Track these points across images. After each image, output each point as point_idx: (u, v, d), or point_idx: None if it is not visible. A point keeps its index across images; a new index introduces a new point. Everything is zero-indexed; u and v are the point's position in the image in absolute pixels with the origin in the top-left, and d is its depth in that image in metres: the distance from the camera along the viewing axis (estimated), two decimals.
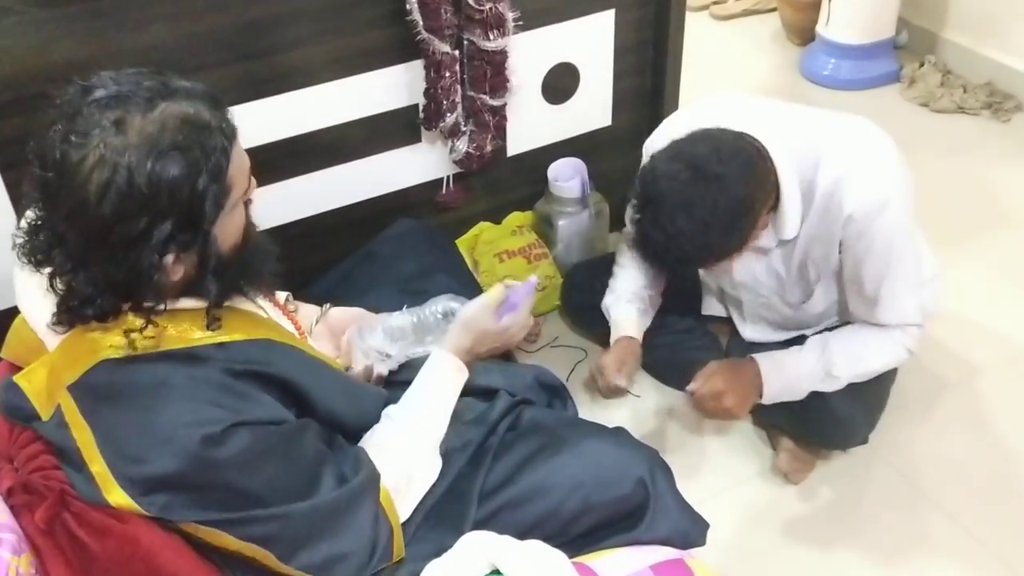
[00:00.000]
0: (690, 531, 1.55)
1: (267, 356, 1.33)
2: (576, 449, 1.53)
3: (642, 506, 1.51)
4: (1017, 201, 2.82)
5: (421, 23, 1.97)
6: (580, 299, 2.29)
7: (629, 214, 1.69)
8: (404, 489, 1.42)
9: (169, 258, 1.18)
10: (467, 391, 1.59)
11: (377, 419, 1.47)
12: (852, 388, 1.85)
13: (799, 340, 1.92)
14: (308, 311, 1.70)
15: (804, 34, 3.63)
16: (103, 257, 1.17)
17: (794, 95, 3.38)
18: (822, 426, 1.93)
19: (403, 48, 2.05)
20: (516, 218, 2.49)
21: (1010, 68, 3.25)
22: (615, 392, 1.95)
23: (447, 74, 2.05)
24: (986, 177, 2.93)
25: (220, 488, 1.24)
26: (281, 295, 1.64)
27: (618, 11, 2.29)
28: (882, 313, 1.79)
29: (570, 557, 1.34)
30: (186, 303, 1.29)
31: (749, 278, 1.90)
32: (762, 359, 1.88)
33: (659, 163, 1.60)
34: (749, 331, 2.05)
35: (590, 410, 2.15)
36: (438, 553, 1.32)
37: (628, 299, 2.05)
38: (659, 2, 2.31)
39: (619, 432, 1.64)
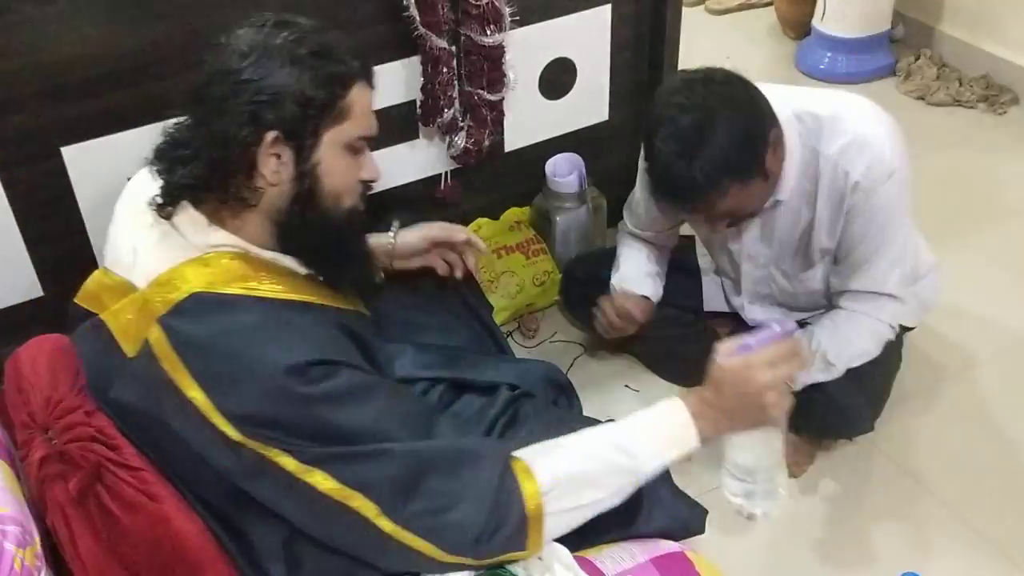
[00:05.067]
0: (688, 519, 1.55)
1: (359, 326, 1.37)
2: None
3: (637, 499, 1.50)
4: (1014, 193, 2.83)
5: (418, 19, 1.97)
6: (579, 294, 2.28)
7: (644, 155, 1.69)
8: (559, 491, 1.28)
9: (270, 135, 1.25)
10: (470, 386, 1.59)
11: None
12: (852, 377, 1.85)
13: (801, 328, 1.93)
14: (377, 239, 1.69)
15: (800, 28, 3.63)
16: (216, 117, 1.25)
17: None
18: (824, 416, 1.93)
19: (400, 44, 2.05)
20: (514, 213, 2.49)
21: (1006, 61, 3.25)
22: (622, 321, 1.98)
23: (444, 70, 2.05)
24: (982, 169, 2.93)
25: (316, 422, 1.21)
26: None
27: (614, 6, 2.29)
28: (864, 280, 1.80)
29: (571, 551, 1.34)
30: (285, 260, 1.34)
31: (750, 243, 1.90)
32: None
33: (672, 84, 1.62)
34: (748, 309, 2.05)
35: (591, 407, 2.15)
36: None
37: (636, 272, 2.06)
38: None
39: None
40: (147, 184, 1.37)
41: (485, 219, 2.47)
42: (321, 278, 1.41)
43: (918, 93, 3.29)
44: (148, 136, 1.83)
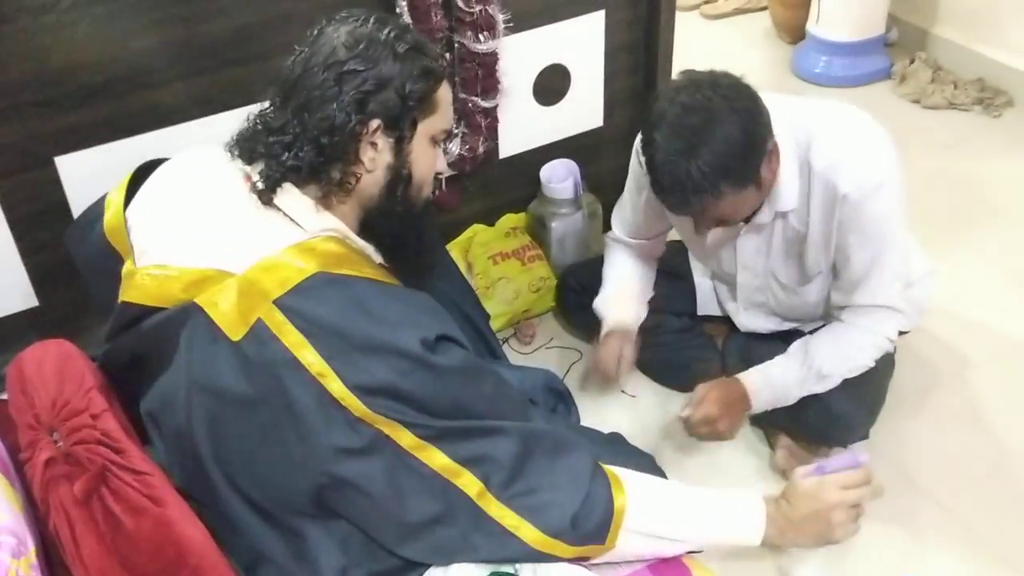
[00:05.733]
0: None
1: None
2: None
3: None
4: (1009, 196, 2.83)
5: (412, 26, 1.97)
6: (575, 301, 2.29)
7: (637, 146, 1.68)
8: (641, 507, 1.34)
9: (374, 123, 1.32)
10: None
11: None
12: (847, 384, 1.85)
13: (795, 335, 1.93)
14: None
15: (795, 32, 3.64)
16: (321, 105, 1.31)
17: (786, 93, 3.37)
18: (819, 423, 1.93)
19: None
20: (510, 220, 2.50)
21: (1001, 64, 3.26)
22: (610, 382, 1.97)
23: None
24: (978, 172, 2.94)
25: (444, 395, 1.25)
26: None
27: (608, 12, 2.29)
28: (865, 294, 1.80)
29: None
30: (368, 248, 1.40)
31: (745, 254, 1.90)
32: (748, 377, 1.89)
33: (679, 83, 1.62)
34: (744, 318, 2.05)
35: (589, 412, 2.15)
36: None
37: (619, 296, 2.05)
38: (649, 2, 2.32)
39: (615, 440, 1.65)
40: (194, 173, 1.40)
41: (481, 225, 2.47)
42: (393, 266, 1.46)
43: (913, 96, 3.30)
44: (142, 145, 1.86)
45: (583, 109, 2.41)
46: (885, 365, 1.93)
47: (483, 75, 2.10)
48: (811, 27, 3.46)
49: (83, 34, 1.75)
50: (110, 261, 1.45)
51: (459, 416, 1.26)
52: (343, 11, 1.40)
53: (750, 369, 1.90)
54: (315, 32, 1.37)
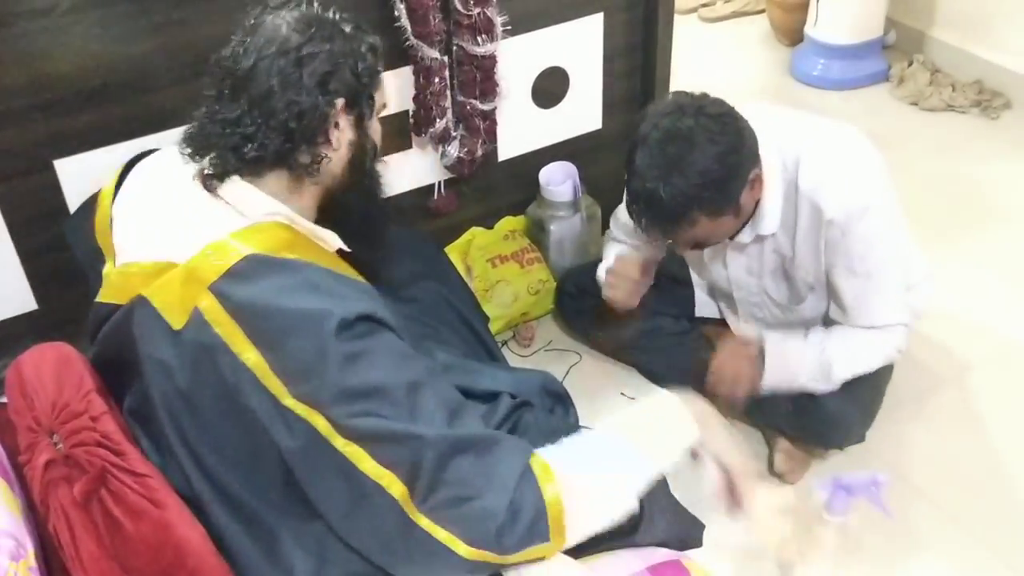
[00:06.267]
0: (686, 533, 1.55)
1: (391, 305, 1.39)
2: None
3: (637, 512, 1.51)
4: (1006, 198, 2.83)
5: (410, 29, 1.97)
6: (572, 306, 2.29)
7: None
8: (577, 494, 1.28)
9: (339, 102, 1.34)
10: (471, 394, 1.59)
11: None
12: (845, 387, 1.86)
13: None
14: None
15: (793, 35, 3.64)
16: (283, 91, 1.30)
17: (784, 96, 3.39)
18: (817, 426, 1.93)
19: (392, 54, 2.04)
20: (508, 223, 2.50)
21: (998, 66, 3.26)
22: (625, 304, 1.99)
23: (437, 80, 2.06)
24: (976, 174, 2.94)
25: (353, 379, 1.22)
26: None
27: (606, 14, 2.29)
28: (864, 318, 1.80)
29: None
30: (321, 232, 1.39)
31: (736, 273, 1.90)
32: (769, 338, 1.89)
33: (664, 105, 1.64)
34: (745, 329, 2.05)
35: (587, 416, 2.15)
36: None
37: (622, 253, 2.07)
38: (647, 5, 2.32)
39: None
40: (157, 170, 1.41)
41: (479, 228, 2.47)
42: (357, 243, 1.46)
43: (911, 99, 3.30)
44: (141, 148, 1.85)
45: (582, 112, 2.41)
46: (883, 368, 1.93)
47: (481, 78, 2.10)
48: (809, 30, 3.46)
49: (81, 37, 1.75)
50: (99, 262, 1.47)
51: (379, 401, 1.22)
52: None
53: (771, 333, 1.90)
54: (252, 22, 1.37)
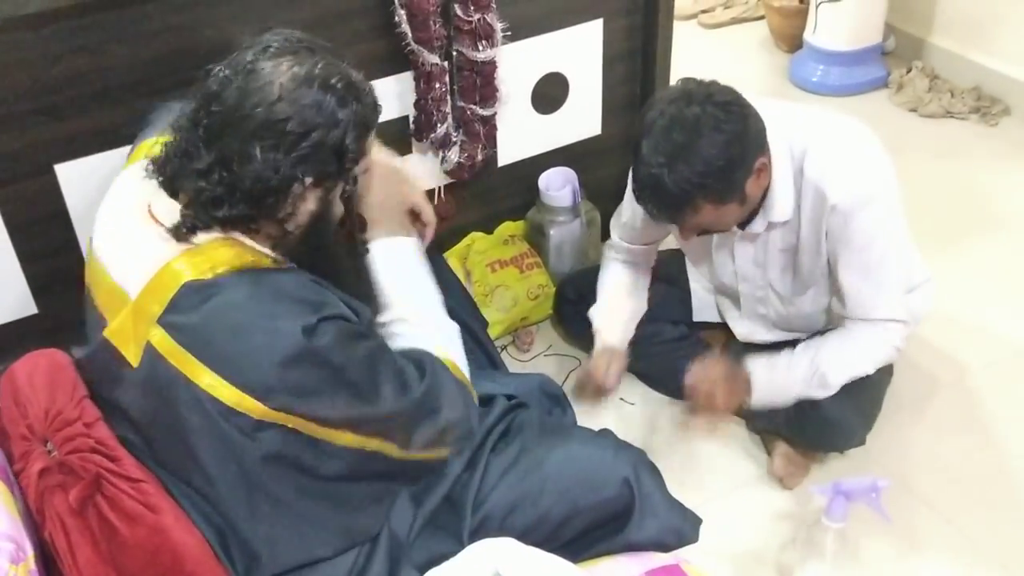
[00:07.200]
0: (682, 527, 1.56)
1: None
2: (561, 454, 1.54)
3: (629, 506, 1.51)
4: (1006, 203, 2.84)
5: (410, 35, 1.98)
6: (571, 312, 2.29)
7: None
8: (453, 351, 1.51)
9: (308, 180, 1.29)
10: None
11: None
12: (844, 391, 1.86)
13: (792, 346, 1.93)
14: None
15: (792, 41, 3.65)
16: (253, 158, 1.25)
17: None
18: (816, 430, 1.93)
19: (392, 60, 2.05)
20: (508, 228, 2.50)
21: (997, 72, 3.27)
22: (601, 393, 1.98)
23: (437, 85, 2.06)
24: (975, 180, 2.94)
25: (332, 376, 1.29)
26: None
27: (606, 21, 2.30)
28: (862, 310, 1.80)
29: None
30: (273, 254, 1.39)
31: (743, 265, 1.90)
32: (755, 362, 1.89)
33: (673, 91, 1.65)
34: (741, 327, 2.06)
35: (586, 418, 2.15)
36: (437, 561, 1.31)
37: (611, 312, 2.07)
38: (647, 11, 2.33)
39: (603, 434, 1.65)
40: (133, 188, 1.40)
41: (479, 233, 2.48)
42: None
43: (910, 105, 3.31)
44: None
45: (581, 117, 2.42)
46: (882, 372, 1.94)
47: (481, 83, 2.11)
48: (808, 36, 3.47)
49: (81, 42, 1.75)
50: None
51: (347, 389, 1.30)
52: (275, 34, 1.34)
53: (757, 356, 1.91)
54: (248, 61, 1.30)
